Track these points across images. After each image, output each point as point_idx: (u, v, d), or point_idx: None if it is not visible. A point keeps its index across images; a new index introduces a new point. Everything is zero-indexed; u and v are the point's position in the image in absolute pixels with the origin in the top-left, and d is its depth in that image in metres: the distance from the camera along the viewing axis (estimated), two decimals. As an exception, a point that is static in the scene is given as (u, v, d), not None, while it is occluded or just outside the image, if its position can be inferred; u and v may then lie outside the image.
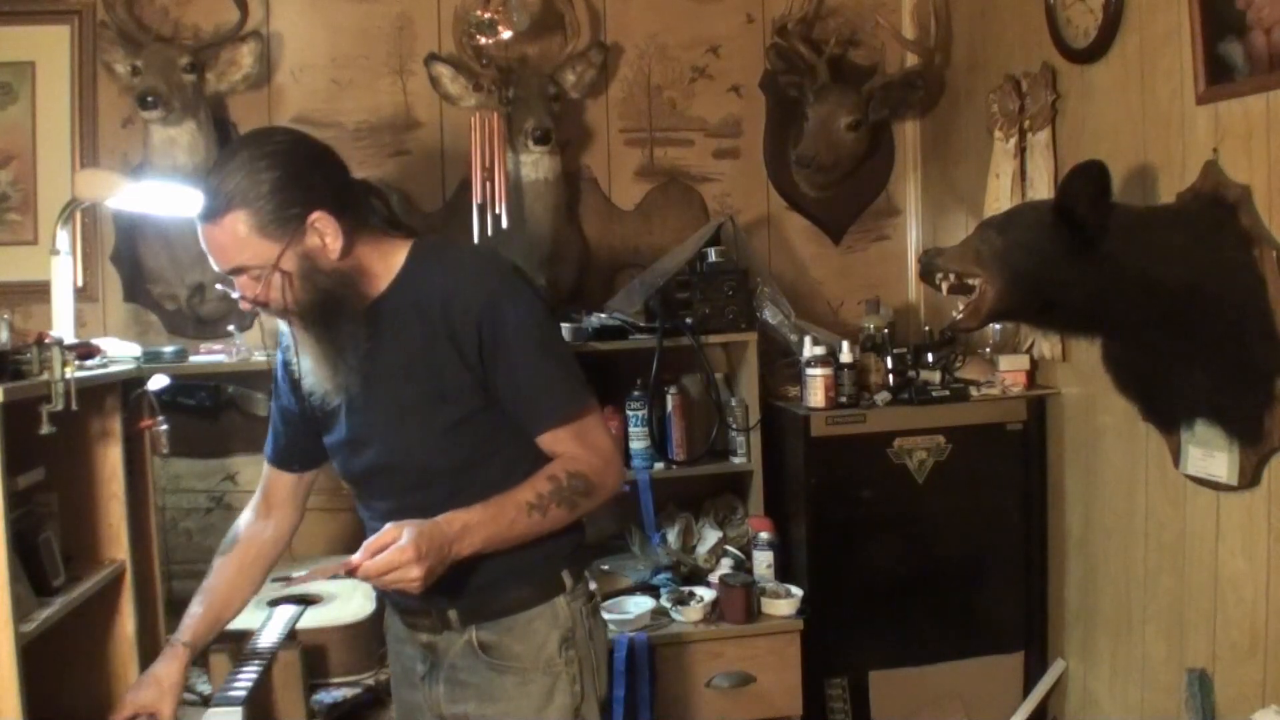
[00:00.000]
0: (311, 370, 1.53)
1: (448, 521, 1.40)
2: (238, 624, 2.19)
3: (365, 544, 1.39)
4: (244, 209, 1.42)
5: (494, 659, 1.57)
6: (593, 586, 1.69)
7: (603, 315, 2.82)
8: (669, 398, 2.80)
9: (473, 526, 1.42)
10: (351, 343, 1.49)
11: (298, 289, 1.45)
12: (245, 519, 1.75)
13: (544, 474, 1.49)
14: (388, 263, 1.53)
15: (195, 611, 1.66)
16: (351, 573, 1.39)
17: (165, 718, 1.60)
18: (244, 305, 1.50)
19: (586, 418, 1.53)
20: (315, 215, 1.45)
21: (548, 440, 1.52)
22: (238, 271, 1.46)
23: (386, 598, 1.71)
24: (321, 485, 2.88)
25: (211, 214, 1.43)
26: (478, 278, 1.51)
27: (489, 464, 1.53)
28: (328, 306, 1.47)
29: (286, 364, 1.66)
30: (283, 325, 1.58)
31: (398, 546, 1.35)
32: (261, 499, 1.75)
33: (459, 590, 1.52)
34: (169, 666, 1.62)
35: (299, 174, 1.45)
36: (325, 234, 1.46)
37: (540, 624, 1.57)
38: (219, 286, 1.55)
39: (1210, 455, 1.99)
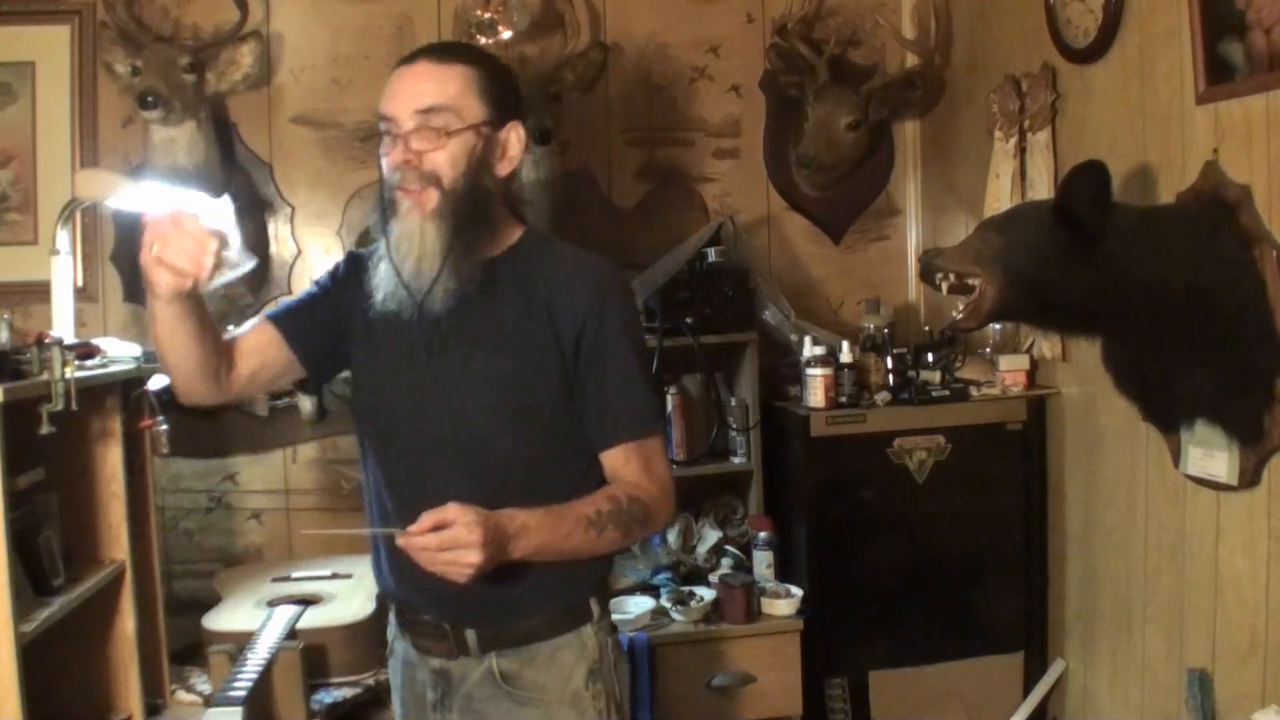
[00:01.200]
0: (400, 269, 1.41)
1: (509, 517, 1.32)
2: (237, 624, 2.20)
3: (424, 516, 1.28)
4: (480, 68, 1.42)
5: (515, 689, 1.47)
6: (614, 617, 1.63)
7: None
8: (669, 397, 2.80)
9: (531, 529, 1.34)
10: (474, 252, 1.41)
11: (465, 166, 1.39)
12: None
13: (605, 493, 1.43)
14: (506, 231, 1.50)
15: None
16: (395, 541, 1.30)
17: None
18: (390, 160, 1.40)
19: (655, 441, 1.49)
20: (518, 124, 1.45)
21: (614, 456, 1.46)
22: (428, 113, 1.38)
23: (398, 616, 1.57)
24: (321, 485, 2.91)
25: (441, 54, 1.42)
26: (591, 269, 1.48)
27: (547, 465, 1.46)
28: (477, 202, 1.41)
29: (356, 264, 1.53)
30: (395, 219, 1.41)
31: (464, 523, 1.26)
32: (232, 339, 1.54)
33: (479, 611, 1.44)
34: None
35: (519, 90, 1.50)
36: (512, 146, 1.45)
37: (567, 654, 1.47)
38: (383, 127, 1.42)
39: (1210, 455, 1.99)
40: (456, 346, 1.44)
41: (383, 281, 1.43)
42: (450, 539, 1.26)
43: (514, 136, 1.45)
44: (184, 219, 1.26)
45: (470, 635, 1.46)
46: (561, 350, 1.43)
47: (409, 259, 1.40)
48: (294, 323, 1.54)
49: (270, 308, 1.65)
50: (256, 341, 1.53)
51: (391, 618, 1.59)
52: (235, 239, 1.29)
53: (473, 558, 1.26)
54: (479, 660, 1.47)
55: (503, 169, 1.45)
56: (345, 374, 1.61)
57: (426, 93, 1.38)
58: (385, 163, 1.42)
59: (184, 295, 1.31)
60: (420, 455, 1.46)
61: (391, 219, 1.42)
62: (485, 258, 1.45)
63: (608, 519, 1.40)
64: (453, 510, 1.27)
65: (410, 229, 1.39)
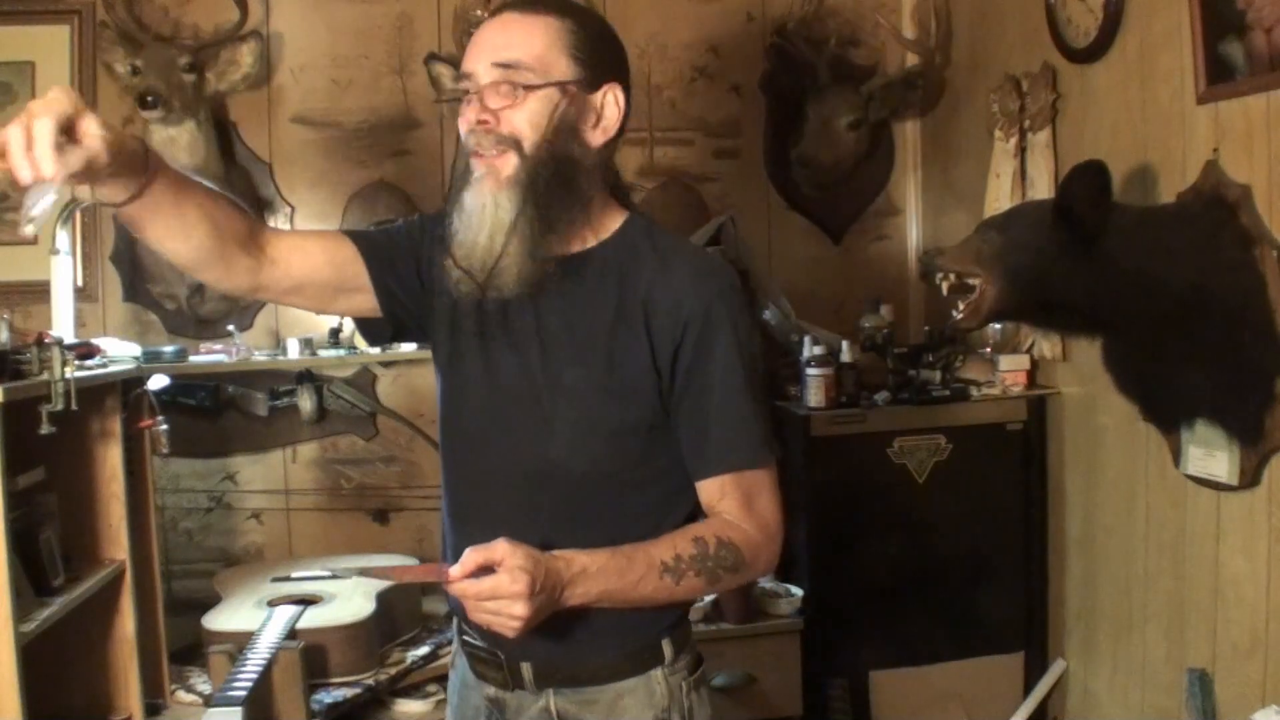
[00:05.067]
0: (468, 247, 1.23)
1: (565, 560, 1.15)
2: (237, 624, 2.20)
3: (467, 554, 1.11)
4: (572, 21, 1.24)
5: None
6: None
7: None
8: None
9: (592, 574, 1.16)
10: (533, 241, 1.21)
11: (548, 129, 1.21)
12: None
13: (689, 533, 1.23)
14: (603, 217, 1.30)
15: None
16: (446, 584, 1.15)
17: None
18: (464, 121, 1.24)
19: (762, 475, 1.27)
20: (615, 86, 1.26)
21: (711, 489, 1.26)
22: (507, 68, 1.21)
23: (459, 634, 1.40)
24: (321, 485, 2.91)
25: (530, 4, 1.24)
26: (702, 274, 1.28)
27: (629, 494, 1.27)
28: (560, 171, 1.22)
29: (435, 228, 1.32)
30: (467, 189, 1.24)
31: (509, 571, 1.09)
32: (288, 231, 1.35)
33: (535, 645, 1.24)
34: None
35: (620, 49, 1.30)
36: (607, 112, 1.26)
37: (631, 701, 1.28)
38: (461, 87, 1.25)
39: (1210, 455, 1.99)
40: (535, 349, 1.26)
41: (450, 264, 1.25)
42: (491, 588, 1.10)
43: (611, 100, 1.26)
44: (30, 126, 0.97)
45: (526, 669, 1.29)
46: (657, 364, 1.24)
47: (479, 234, 1.22)
48: (381, 252, 1.32)
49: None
50: (323, 245, 1.31)
51: (454, 632, 1.44)
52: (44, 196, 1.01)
53: (517, 610, 1.10)
54: (535, 696, 1.30)
55: (596, 137, 1.26)
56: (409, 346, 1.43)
57: (507, 45, 1.22)
58: (461, 126, 1.26)
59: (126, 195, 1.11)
60: (485, 471, 1.29)
61: (464, 190, 1.24)
62: (576, 249, 1.28)
63: (689, 565, 1.21)
64: (500, 549, 1.11)
65: (481, 199, 1.22)
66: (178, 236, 1.19)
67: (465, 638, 1.36)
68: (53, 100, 0.99)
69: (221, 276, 1.25)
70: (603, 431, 1.25)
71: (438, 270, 1.28)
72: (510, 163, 1.21)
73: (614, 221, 1.31)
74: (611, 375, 1.24)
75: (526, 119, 1.21)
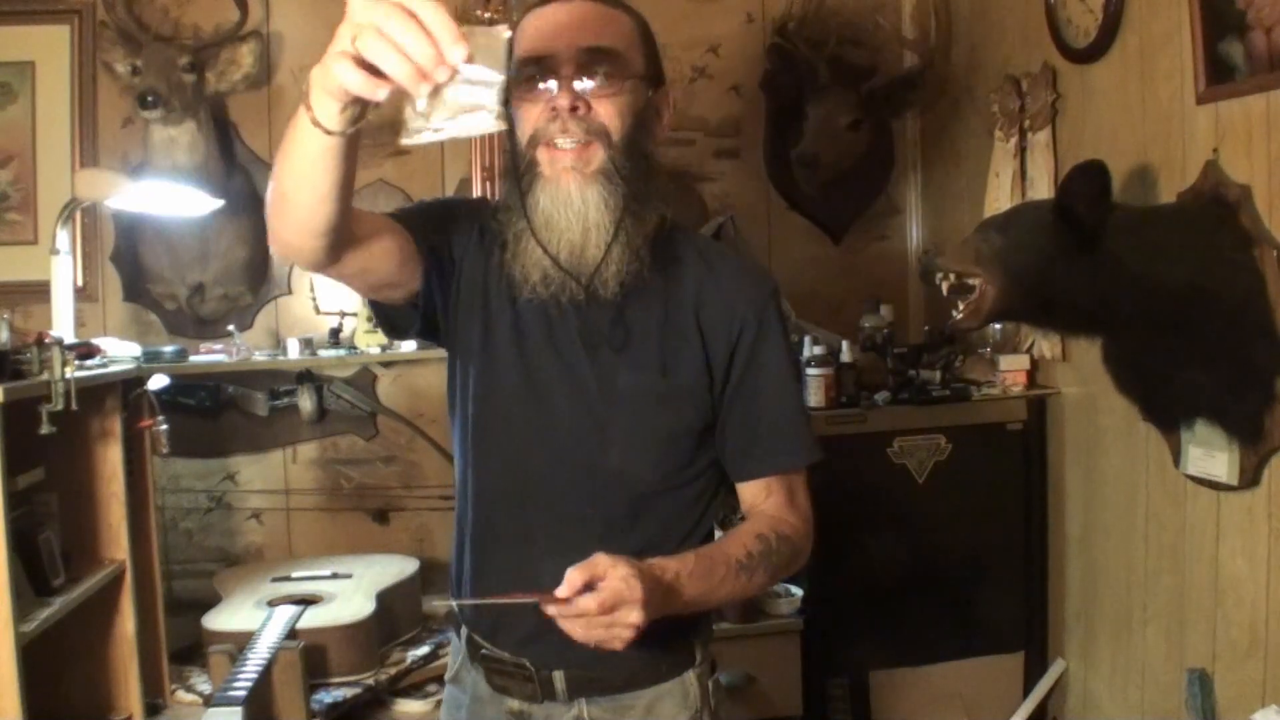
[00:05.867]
0: (554, 247, 1.15)
1: (660, 568, 1.11)
2: (237, 624, 2.20)
3: (572, 573, 1.05)
4: (635, 21, 1.22)
5: None
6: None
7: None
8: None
9: (684, 580, 1.13)
10: (633, 238, 1.16)
11: (632, 124, 1.16)
12: None
13: (752, 531, 1.23)
14: None
15: None
16: (551, 604, 1.06)
17: None
18: (543, 109, 1.14)
19: (803, 474, 1.31)
20: (667, 89, 1.26)
21: (756, 489, 1.27)
22: (596, 54, 1.14)
23: (470, 646, 1.33)
24: (321, 485, 2.91)
25: None
26: (751, 277, 1.27)
27: (680, 501, 1.27)
28: (645, 166, 1.18)
29: (477, 229, 1.25)
30: (540, 185, 1.16)
31: (623, 579, 1.04)
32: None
33: (569, 653, 1.17)
34: None
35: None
36: (665, 110, 1.25)
37: (668, 704, 1.27)
38: (529, 72, 1.15)
39: (1210, 455, 1.99)
40: (582, 354, 1.21)
41: (533, 264, 1.16)
42: (612, 596, 1.03)
43: (668, 101, 1.25)
44: (423, 6, 0.79)
45: (558, 678, 1.25)
46: (711, 367, 1.22)
47: (569, 233, 1.14)
48: (435, 254, 1.22)
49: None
50: (395, 240, 1.18)
51: (460, 644, 1.36)
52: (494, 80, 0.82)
53: (634, 617, 1.04)
54: (566, 706, 1.26)
55: (660, 133, 1.24)
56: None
57: (599, 31, 1.15)
58: (529, 114, 1.15)
59: (352, 124, 0.90)
60: (525, 483, 1.23)
61: (533, 185, 1.15)
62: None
63: (759, 561, 1.21)
64: (603, 563, 1.05)
65: (567, 194, 1.14)
66: (344, 188, 0.99)
67: (484, 650, 1.30)
68: None
69: (325, 254, 1.08)
70: (661, 438, 1.23)
71: (476, 271, 1.23)
72: (598, 155, 1.14)
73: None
74: (665, 380, 1.21)
75: (617, 109, 1.15)
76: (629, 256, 1.16)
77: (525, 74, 1.15)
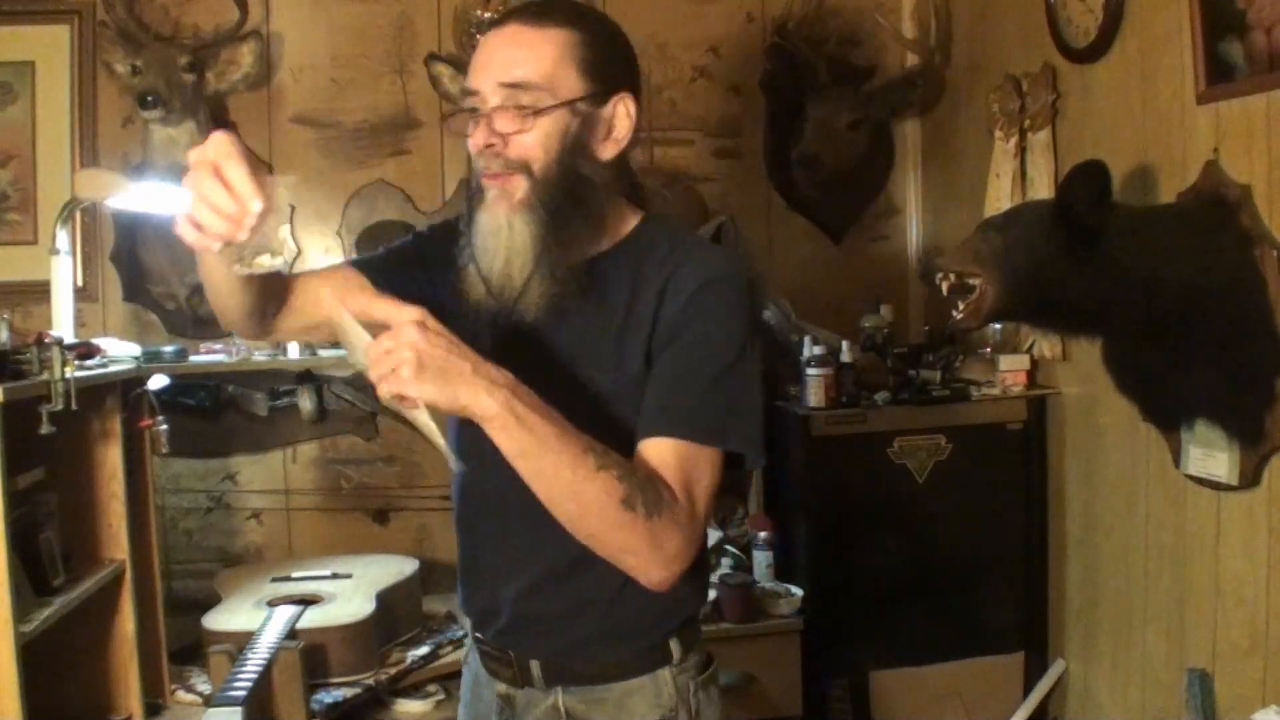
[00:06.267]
0: (486, 271, 1.20)
1: (479, 360, 1.05)
2: (237, 624, 2.20)
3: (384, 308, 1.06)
4: (580, 32, 1.20)
5: None
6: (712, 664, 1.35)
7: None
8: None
9: (502, 387, 1.04)
10: (572, 252, 1.20)
11: (559, 150, 1.18)
12: None
13: (626, 461, 1.14)
14: (619, 220, 1.28)
15: None
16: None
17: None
18: (472, 143, 1.20)
19: (709, 459, 1.18)
20: (626, 95, 1.23)
21: (652, 450, 1.16)
22: (515, 88, 1.17)
23: (471, 631, 1.38)
24: (321, 485, 2.91)
25: (538, 16, 1.20)
26: (708, 267, 1.22)
27: None
28: (574, 191, 1.19)
29: (447, 250, 1.28)
30: (482, 210, 1.22)
31: (405, 323, 1.01)
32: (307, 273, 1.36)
33: (542, 642, 1.27)
34: None
35: (631, 54, 1.26)
36: (619, 123, 1.23)
37: (639, 700, 1.28)
38: (467, 104, 1.21)
39: (1210, 455, 1.99)
40: (543, 357, 1.23)
41: (472, 284, 1.23)
42: (391, 341, 1.01)
43: (622, 111, 1.23)
44: (228, 167, 0.98)
45: (535, 666, 1.29)
46: (653, 345, 1.21)
47: (496, 258, 1.20)
48: (388, 274, 1.30)
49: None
50: (332, 285, 1.28)
51: (469, 628, 1.43)
52: (285, 217, 1.04)
53: (405, 355, 1.00)
54: (544, 694, 1.29)
55: (607, 150, 1.23)
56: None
57: (515, 62, 1.18)
58: (470, 145, 1.22)
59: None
60: (491, 483, 1.21)
61: (477, 210, 1.23)
62: (591, 253, 1.25)
63: (616, 465, 1.10)
64: (412, 312, 1.03)
65: (496, 223, 1.20)
66: (228, 290, 1.18)
67: (477, 634, 1.36)
68: (213, 144, 0.99)
69: (249, 332, 1.29)
70: (612, 432, 1.19)
71: (448, 286, 1.26)
72: (521, 186, 1.19)
73: (629, 223, 1.29)
74: (618, 374, 1.22)
75: (536, 141, 1.18)
76: (551, 285, 1.19)
77: (463, 107, 1.22)
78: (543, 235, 1.18)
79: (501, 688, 1.33)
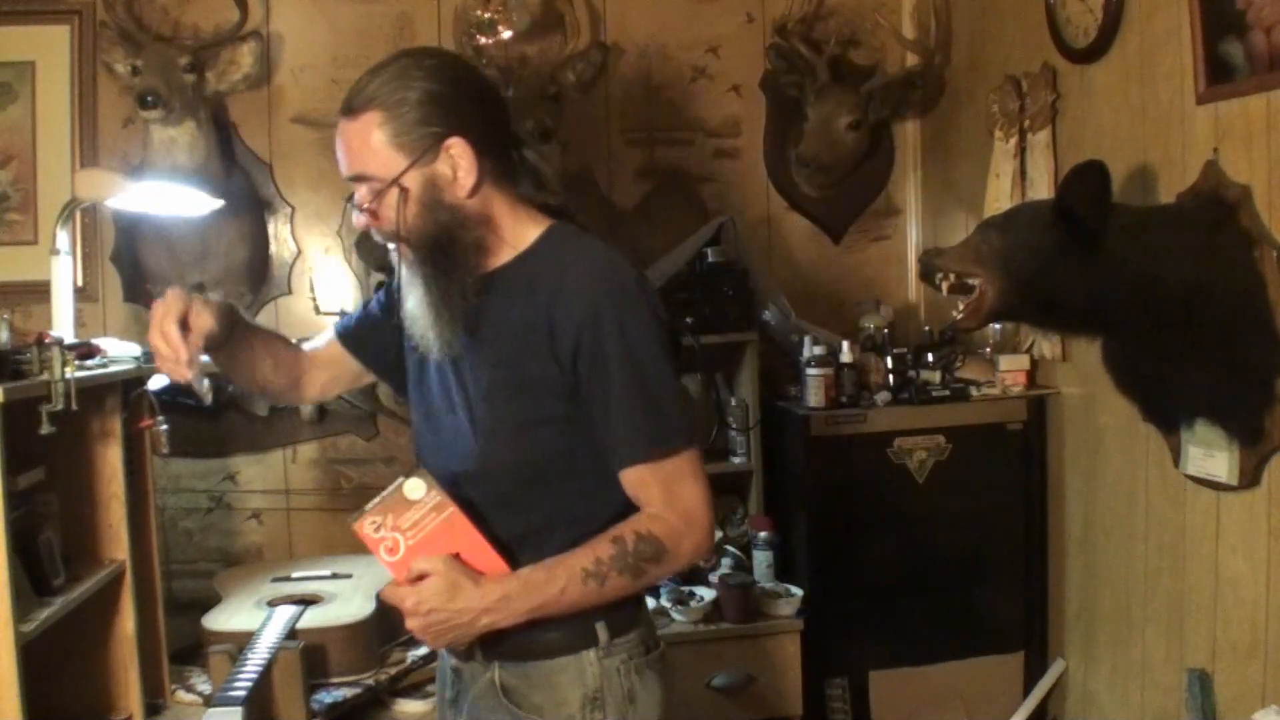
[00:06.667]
0: (413, 314, 1.40)
1: (483, 591, 1.31)
2: (237, 624, 2.20)
3: (415, 563, 1.35)
4: (383, 111, 1.32)
5: (514, 704, 1.40)
6: (658, 647, 1.49)
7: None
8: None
9: (514, 596, 1.30)
10: (456, 297, 1.35)
11: (413, 214, 1.33)
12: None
13: (609, 535, 1.32)
14: (518, 233, 1.40)
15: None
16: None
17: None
18: (358, 221, 1.39)
19: (677, 462, 1.33)
20: (453, 141, 1.32)
21: (631, 480, 1.33)
22: (359, 179, 1.36)
23: None
24: (321, 485, 2.91)
25: (350, 109, 1.34)
26: (593, 279, 1.33)
27: (561, 486, 1.37)
28: (441, 244, 1.34)
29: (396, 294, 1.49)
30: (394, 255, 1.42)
31: (415, 591, 1.32)
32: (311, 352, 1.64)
33: None
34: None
35: (449, 94, 1.34)
36: (459, 165, 1.33)
37: (563, 678, 1.38)
38: (354, 198, 1.40)
39: (1210, 455, 1.99)
40: (454, 363, 1.41)
41: (407, 318, 1.42)
42: (398, 597, 1.35)
43: (457, 153, 1.33)
44: (163, 333, 1.34)
45: (476, 642, 1.42)
46: (559, 362, 1.33)
47: (409, 302, 1.40)
48: (357, 339, 1.61)
49: (337, 320, 1.71)
50: (328, 355, 1.62)
51: None
52: (203, 377, 1.41)
53: (411, 624, 1.33)
54: (484, 668, 1.43)
55: (460, 191, 1.34)
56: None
57: (348, 158, 1.36)
58: (355, 223, 1.45)
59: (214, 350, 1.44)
60: (451, 469, 1.41)
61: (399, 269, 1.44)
62: (494, 265, 1.39)
63: (610, 565, 1.30)
64: (428, 562, 1.33)
65: (407, 280, 1.40)
66: (247, 372, 1.54)
67: None
68: (169, 303, 1.35)
69: (287, 400, 1.75)
70: (511, 426, 1.36)
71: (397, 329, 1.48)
72: (405, 249, 1.37)
73: (533, 232, 1.40)
74: (518, 371, 1.35)
75: (390, 212, 1.34)
76: (449, 328, 1.36)
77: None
78: (429, 289, 1.36)
79: (454, 661, 1.49)
